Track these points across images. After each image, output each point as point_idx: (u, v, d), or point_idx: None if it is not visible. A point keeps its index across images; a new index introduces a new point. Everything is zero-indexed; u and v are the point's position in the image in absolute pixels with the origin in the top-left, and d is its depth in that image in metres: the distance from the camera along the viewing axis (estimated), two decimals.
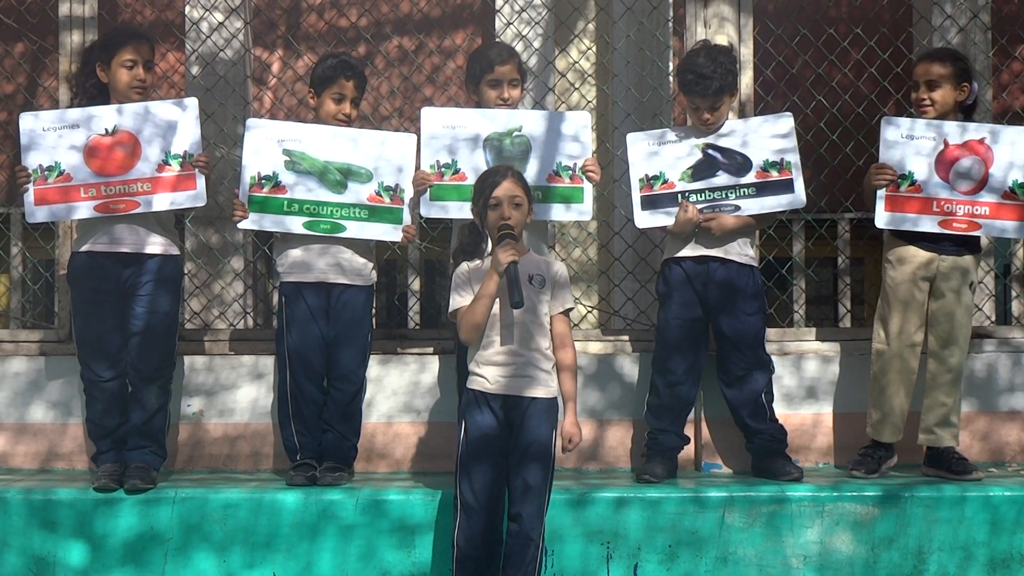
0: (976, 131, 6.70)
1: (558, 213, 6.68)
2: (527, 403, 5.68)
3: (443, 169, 6.61)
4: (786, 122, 6.73)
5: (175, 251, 6.53)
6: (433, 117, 6.69)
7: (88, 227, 6.42)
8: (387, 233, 6.62)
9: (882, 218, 6.70)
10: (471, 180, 6.42)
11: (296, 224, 6.59)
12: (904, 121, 6.73)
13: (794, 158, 6.67)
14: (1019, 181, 6.69)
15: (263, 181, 6.60)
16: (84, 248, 6.41)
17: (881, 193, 6.67)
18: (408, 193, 6.63)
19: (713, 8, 7.20)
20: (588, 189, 6.68)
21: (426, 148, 6.63)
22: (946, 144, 6.67)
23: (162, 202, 6.42)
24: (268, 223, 6.64)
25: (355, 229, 6.60)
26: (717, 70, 6.60)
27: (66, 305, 7.04)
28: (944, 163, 6.67)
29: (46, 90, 7.97)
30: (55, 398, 7.01)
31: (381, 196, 6.62)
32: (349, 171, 6.61)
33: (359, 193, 6.61)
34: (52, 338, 7.10)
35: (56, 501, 6.23)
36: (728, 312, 6.65)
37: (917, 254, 6.67)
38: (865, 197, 6.78)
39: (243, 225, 6.64)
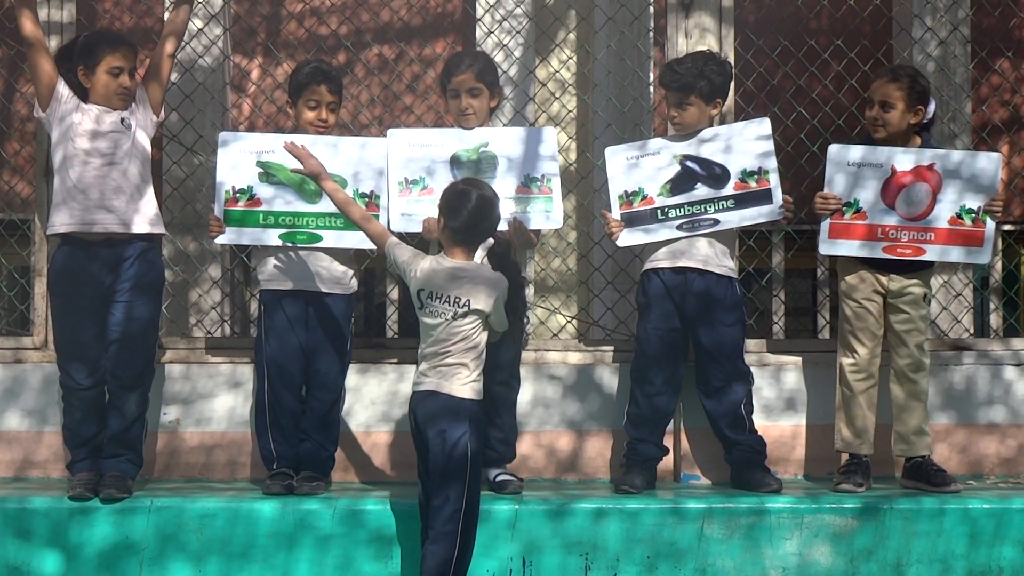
0: (924, 157, 6.67)
1: (530, 222, 6.66)
2: None
3: (411, 185, 6.59)
4: (764, 126, 6.71)
5: (157, 258, 6.51)
6: (401, 137, 6.69)
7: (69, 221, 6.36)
8: (365, 241, 6.59)
9: (825, 245, 6.71)
10: (438, 195, 6.45)
11: (272, 237, 6.58)
12: (850, 148, 6.71)
13: (772, 165, 6.66)
14: (966, 207, 6.67)
15: (238, 195, 6.58)
16: (62, 232, 6.36)
17: (825, 220, 6.67)
18: (384, 200, 6.62)
19: (694, 19, 7.20)
20: (557, 198, 6.68)
21: (394, 168, 6.61)
22: (893, 170, 6.65)
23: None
24: (245, 238, 6.66)
25: (332, 239, 6.59)
26: (691, 68, 6.66)
27: (42, 312, 7.00)
28: (891, 189, 6.65)
29: (23, 96, 7.92)
30: (30, 406, 6.97)
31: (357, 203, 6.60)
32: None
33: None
34: (28, 345, 7.05)
35: (31, 510, 6.19)
36: (706, 323, 6.64)
37: (868, 268, 6.68)
38: (815, 218, 6.77)
39: (220, 240, 6.65)
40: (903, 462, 6.80)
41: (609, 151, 6.82)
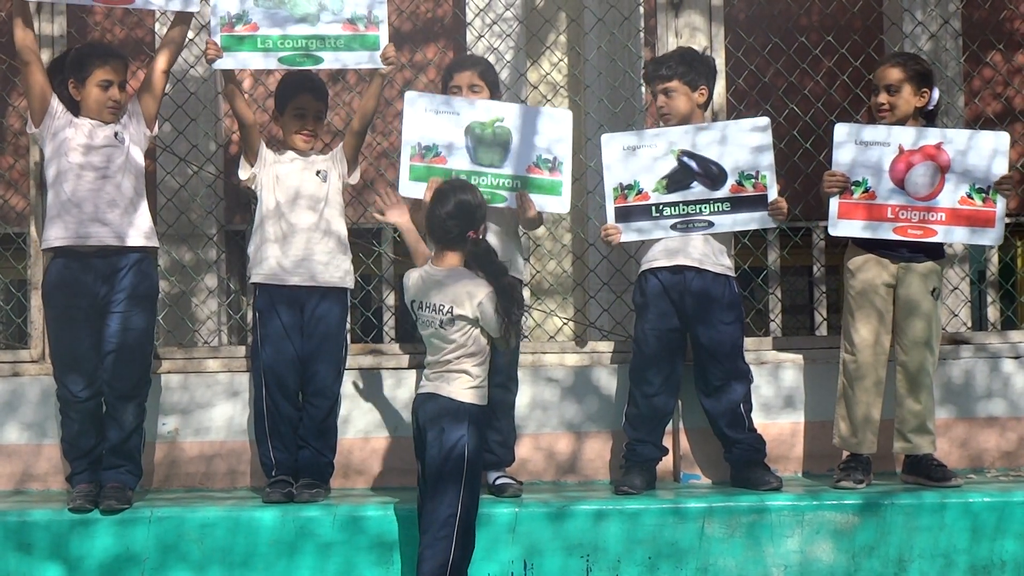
0: (931, 136, 6.66)
1: (537, 204, 6.65)
2: None
3: (424, 151, 6.58)
4: (763, 125, 6.69)
5: (151, 269, 6.50)
6: (416, 101, 6.67)
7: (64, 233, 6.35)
8: (366, 60, 6.62)
9: (835, 226, 6.67)
10: (450, 164, 6.52)
11: (272, 61, 6.65)
12: (856, 127, 6.71)
13: (769, 168, 6.64)
14: (976, 186, 6.66)
15: (233, 20, 6.59)
16: (57, 246, 6.36)
17: (834, 200, 6.65)
18: (382, 19, 6.63)
19: (684, 18, 7.20)
20: (566, 183, 6.68)
21: (407, 131, 6.62)
22: (900, 149, 6.63)
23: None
24: (242, 61, 6.66)
25: (331, 59, 6.63)
26: (673, 56, 6.75)
27: (39, 326, 7.00)
28: (898, 169, 6.63)
29: (16, 110, 7.92)
30: (29, 419, 6.97)
31: (354, 24, 6.60)
32: (321, 4, 6.62)
33: (332, 23, 6.61)
34: (25, 359, 7.05)
35: (31, 523, 6.19)
36: (705, 322, 6.64)
37: (876, 262, 6.65)
38: (822, 206, 6.76)
39: (219, 65, 6.62)
40: (903, 457, 6.79)
41: (605, 138, 6.80)
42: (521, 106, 6.91)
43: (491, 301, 5.65)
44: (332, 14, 6.60)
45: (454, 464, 5.61)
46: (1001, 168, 6.64)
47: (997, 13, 8.13)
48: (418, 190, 6.53)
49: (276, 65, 6.64)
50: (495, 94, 6.81)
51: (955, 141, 6.66)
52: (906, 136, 6.63)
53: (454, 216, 5.73)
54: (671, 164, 6.70)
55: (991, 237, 6.72)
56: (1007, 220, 7.33)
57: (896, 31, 8.00)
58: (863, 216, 6.63)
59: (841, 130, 6.68)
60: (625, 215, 6.72)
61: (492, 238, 6.41)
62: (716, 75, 6.92)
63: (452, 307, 5.65)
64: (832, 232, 6.69)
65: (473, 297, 5.65)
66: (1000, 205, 6.65)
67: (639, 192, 6.71)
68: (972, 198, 6.63)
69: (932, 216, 6.62)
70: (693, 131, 6.68)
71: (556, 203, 6.72)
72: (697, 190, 6.68)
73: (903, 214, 6.62)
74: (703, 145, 6.68)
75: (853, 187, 6.62)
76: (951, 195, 6.63)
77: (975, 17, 8.19)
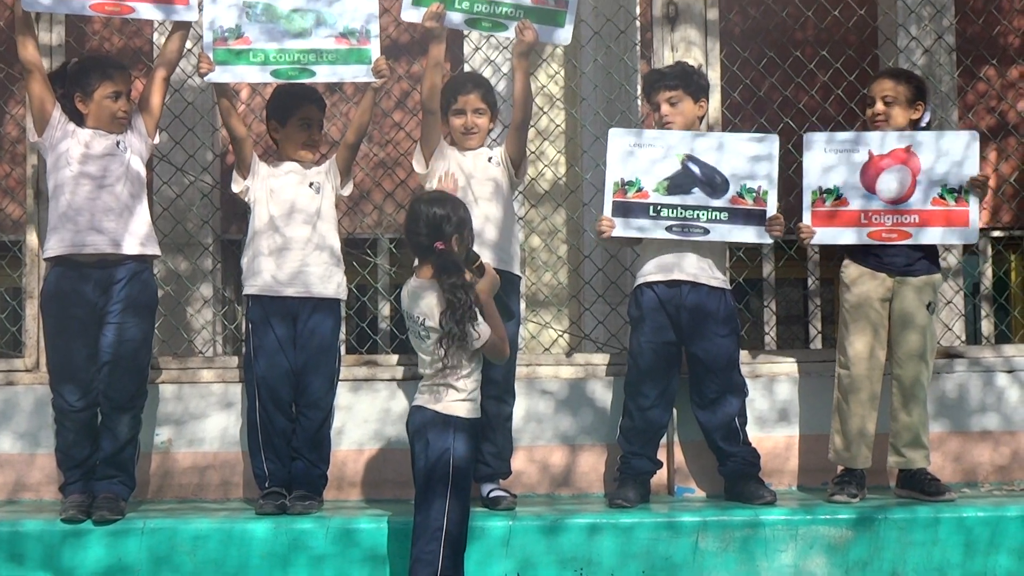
0: (899, 139, 6.69)
1: (540, 34, 6.69)
2: None
3: None
4: (772, 143, 6.73)
5: (149, 278, 6.50)
6: None
7: (61, 240, 6.35)
8: (358, 74, 6.64)
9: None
10: None
11: (264, 74, 6.65)
12: (824, 135, 6.79)
13: (773, 185, 6.66)
14: (947, 187, 6.68)
15: (226, 34, 6.60)
16: (56, 255, 6.36)
17: (807, 211, 6.72)
18: (375, 33, 6.64)
19: (680, 32, 7.21)
20: (571, 17, 6.74)
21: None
22: (870, 155, 6.67)
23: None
24: (235, 75, 6.66)
25: (325, 73, 6.65)
26: (676, 68, 6.81)
27: (34, 334, 6.99)
28: (869, 174, 6.69)
29: (13, 118, 7.92)
30: (23, 429, 6.96)
31: (347, 38, 6.61)
32: (316, 18, 6.64)
33: (325, 37, 6.63)
34: (19, 367, 7.04)
35: (23, 533, 6.18)
36: (700, 335, 6.64)
37: (871, 275, 6.67)
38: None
39: (210, 78, 6.62)
40: (897, 471, 6.79)
41: (613, 132, 6.81)
42: None
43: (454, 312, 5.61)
44: (327, 28, 6.61)
45: (440, 475, 5.58)
46: (972, 168, 6.67)
47: (991, 28, 8.14)
48: (416, 15, 6.63)
49: (270, 79, 6.64)
50: (494, 113, 6.83)
51: (924, 143, 6.70)
52: (875, 140, 6.68)
53: (422, 231, 5.69)
54: (675, 167, 6.71)
55: (965, 236, 6.76)
56: (1000, 234, 7.37)
57: (890, 46, 8.02)
58: (836, 223, 6.69)
59: (810, 139, 6.73)
60: (623, 211, 6.72)
61: (490, 232, 6.47)
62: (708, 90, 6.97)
63: (424, 319, 5.64)
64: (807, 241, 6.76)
65: (441, 310, 5.61)
66: (973, 204, 6.67)
67: (639, 190, 6.71)
68: (944, 198, 6.66)
69: (905, 219, 6.66)
70: (703, 137, 6.71)
71: (559, 34, 6.76)
72: (697, 196, 6.68)
73: (876, 218, 6.66)
74: (708, 152, 6.69)
75: (825, 195, 6.67)
76: (923, 197, 6.66)
77: (969, 32, 8.20)
